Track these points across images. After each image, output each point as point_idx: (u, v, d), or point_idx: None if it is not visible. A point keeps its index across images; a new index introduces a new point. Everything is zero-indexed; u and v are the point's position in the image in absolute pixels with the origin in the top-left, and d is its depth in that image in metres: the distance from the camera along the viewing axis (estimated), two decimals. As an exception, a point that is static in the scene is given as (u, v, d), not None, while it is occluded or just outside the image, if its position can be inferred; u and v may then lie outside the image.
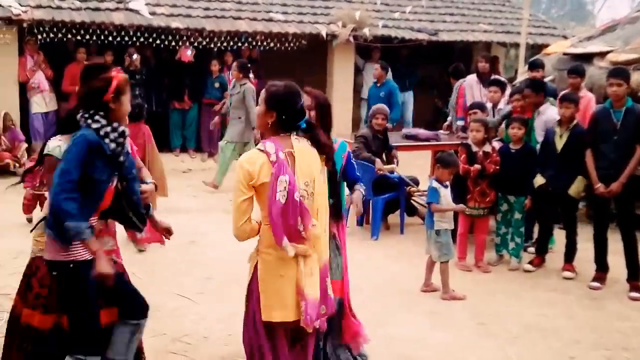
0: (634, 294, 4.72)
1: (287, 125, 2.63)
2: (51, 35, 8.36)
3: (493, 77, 6.91)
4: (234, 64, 7.91)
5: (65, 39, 8.48)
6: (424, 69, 10.88)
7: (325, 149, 2.72)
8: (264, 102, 2.65)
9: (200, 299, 4.40)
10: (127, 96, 2.74)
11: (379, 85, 8.32)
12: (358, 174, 3.43)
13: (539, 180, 5.15)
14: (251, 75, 9.36)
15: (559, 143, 5.07)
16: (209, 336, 3.83)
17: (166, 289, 4.46)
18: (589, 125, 5.01)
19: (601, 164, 4.81)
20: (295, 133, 2.67)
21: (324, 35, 9.61)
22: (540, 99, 5.58)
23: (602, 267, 4.97)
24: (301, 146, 2.65)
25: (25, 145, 8.12)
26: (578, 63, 6.48)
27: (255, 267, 2.69)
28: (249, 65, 8.15)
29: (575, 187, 5.03)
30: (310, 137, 2.69)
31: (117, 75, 2.69)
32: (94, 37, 8.53)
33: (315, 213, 2.64)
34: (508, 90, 6.56)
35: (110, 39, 8.58)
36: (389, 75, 8.52)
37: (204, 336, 3.83)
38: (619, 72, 4.86)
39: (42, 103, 8.37)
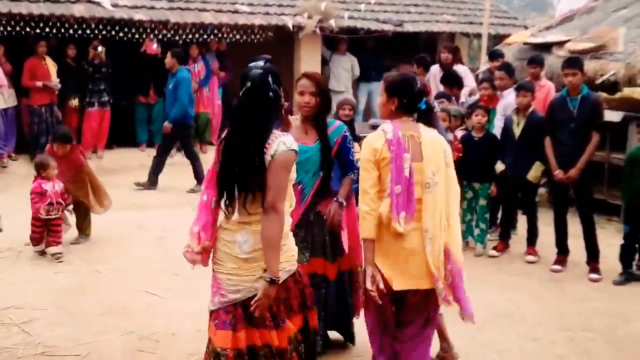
0: (594, 276, 4.89)
1: (409, 108, 2.84)
2: (9, 28, 8.10)
3: (455, 66, 6.99)
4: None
5: (24, 32, 8.23)
6: (390, 59, 10.95)
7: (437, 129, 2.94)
8: (384, 91, 2.86)
9: (168, 295, 4.37)
10: None
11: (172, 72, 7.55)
12: (352, 157, 3.45)
13: (499, 166, 5.30)
14: (212, 64, 9.28)
15: (517, 130, 5.22)
16: (177, 333, 3.81)
17: (134, 286, 4.41)
18: (546, 113, 5.15)
19: (559, 151, 4.95)
20: (416, 115, 2.85)
21: (290, 27, 9.57)
22: (513, 82, 5.75)
23: (562, 250, 5.13)
24: (431, 135, 2.82)
25: (-17, 143, 7.89)
26: (537, 53, 6.65)
27: None
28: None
29: (534, 173, 5.19)
30: (427, 120, 2.88)
31: None
32: (54, 30, 8.30)
33: (435, 203, 2.76)
34: (469, 82, 6.71)
35: (71, 32, 8.37)
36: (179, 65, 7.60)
37: (173, 333, 3.81)
38: (573, 61, 4.99)
39: (1, 99, 8.12)
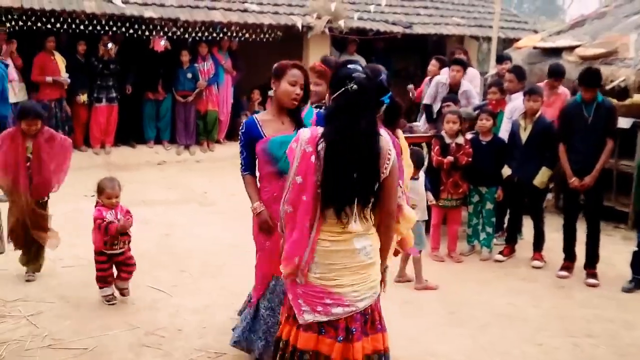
0: (592, 281, 4.89)
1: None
2: (20, 23, 8.16)
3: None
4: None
5: (34, 28, 8.29)
6: (399, 61, 10.95)
7: (396, 127, 2.98)
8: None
9: (174, 291, 4.39)
10: None
11: None
12: None
13: (506, 171, 5.29)
14: (225, 62, 9.32)
15: (524, 135, 5.21)
16: (183, 329, 3.83)
17: (140, 282, 4.44)
18: (560, 119, 5.11)
19: (573, 158, 4.91)
20: (380, 111, 2.80)
21: (300, 27, 9.59)
22: (522, 86, 5.74)
23: (570, 256, 5.11)
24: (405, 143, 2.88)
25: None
26: (558, 63, 6.47)
27: None
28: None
29: (540, 178, 5.17)
30: (391, 116, 2.90)
31: None
32: (65, 26, 8.36)
33: None
34: (472, 76, 6.69)
35: (82, 28, 8.42)
36: None
37: (178, 329, 3.83)
38: (589, 80, 4.83)
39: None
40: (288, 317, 2.59)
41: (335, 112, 2.44)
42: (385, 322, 2.62)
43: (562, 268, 5.08)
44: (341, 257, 2.46)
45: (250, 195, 3.22)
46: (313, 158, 2.41)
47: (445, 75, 6.63)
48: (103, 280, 4.14)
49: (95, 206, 4.14)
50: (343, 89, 2.41)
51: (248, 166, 3.23)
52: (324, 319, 2.47)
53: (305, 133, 2.49)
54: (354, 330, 2.48)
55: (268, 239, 3.19)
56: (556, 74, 6.02)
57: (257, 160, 3.20)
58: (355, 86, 2.39)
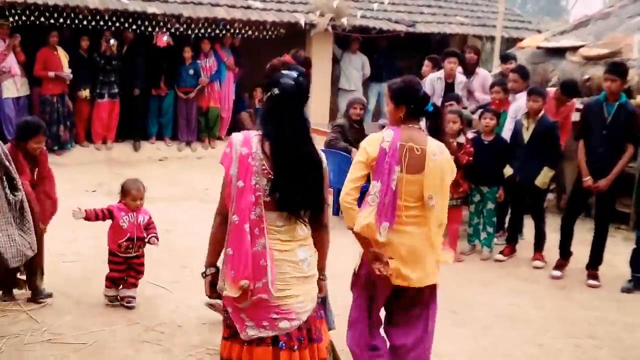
0: (593, 282, 4.88)
1: (417, 113, 2.89)
2: (23, 18, 8.15)
3: (478, 69, 6.97)
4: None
5: (38, 22, 8.27)
6: (402, 60, 10.93)
7: (443, 135, 2.98)
8: (391, 100, 2.91)
9: (175, 288, 4.39)
10: None
11: None
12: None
13: (508, 170, 5.27)
14: (227, 59, 9.31)
15: (526, 135, 5.18)
16: (183, 325, 3.83)
17: (141, 278, 4.43)
18: (580, 117, 5.07)
19: (590, 158, 4.84)
20: (423, 119, 2.89)
21: (303, 24, 9.57)
22: (526, 85, 5.71)
23: (564, 254, 5.09)
24: (439, 150, 2.84)
25: (-5, 131, 7.93)
26: (573, 80, 6.22)
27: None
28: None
29: (542, 178, 5.15)
30: (435, 122, 2.93)
31: None
32: (68, 21, 8.34)
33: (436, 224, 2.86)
34: (484, 77, 6.71)
35: (85, 23, 8.40)
36: None
37: (178, 325, 3.83)
38: (613, 68, 4.79)
39: (13, 88, 8.16)
40: (230, 335, 2.42)
41: (263, 116, 2.45)
42: (322, 333, 2.53)
43: (556, 267, 5.05)
44: (289, 267, 2.38)
45: None
46: (250, 159, 2.34)
47: (440, 72, 6.71)
48: (112, 281, 4.04)
49: (118, 203, 4.01)
50: (269, 93, 2.42)
51: None
52: (270, 334, 2.35)
53: (238, 136, 2.42)
54: (301, 339, 2.41)
55: None
56: (569, 92, 5.80)
57: None
58: (277, 91, 2.38)
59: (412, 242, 2.85)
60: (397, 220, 2.82)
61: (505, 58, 6.94)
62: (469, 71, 6.87)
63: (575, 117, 5.62)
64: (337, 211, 6.46)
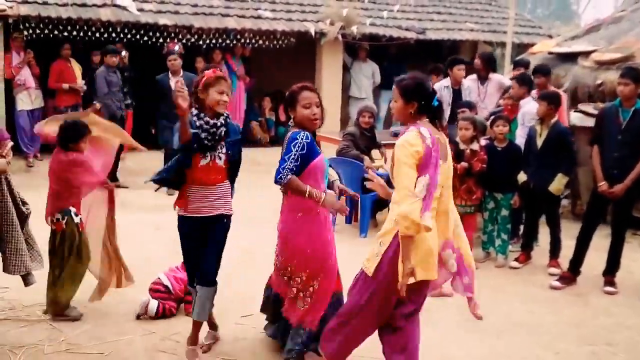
0: (610, 289, 4.82)
1: (427, 109, 2.92)
2: (37, 31, 8.28)
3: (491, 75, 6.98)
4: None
5: (51, 35, 8.41)
6: (412, 67, 10.94)
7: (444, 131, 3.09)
8: (400, 97, 2.92)
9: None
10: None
11: None
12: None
13: (522, 177, 5.24)
14: (238, 69, 9.38)
15: (540, 141, 5.16)
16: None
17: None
18: (595, 122, 5.05)
19: (605, 163, 4.79)
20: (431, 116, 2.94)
21: (313, 33, 9.63)
22: (524, 91, 5.71)
23: (574, 269, 4.94)
24: (443, 138, 2.94)
25: (11, 143, 8.01)
26: (543, 63, 6.50)
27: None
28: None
29: (556, 185, 5.11)
30: (437, 116, 3.00)
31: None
32: (81, 34, 8.47)
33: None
34: (498, 81, 6.74)
35: (97, 35, 8.52)
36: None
37: (194, 334, 3.83)
38: (627, 72, 4.77)
39: (28, 100, 8.30)
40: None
41: None
42: None
43: (560, 278, 4.93)
44: None
45: (305, 190, 3.22)
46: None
47: (446, 80, 6.77)
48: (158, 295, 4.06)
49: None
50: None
51: (293, 172, 3.23)
52: None
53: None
54: None
55: (330, 256, 3.34)
56: (537, 71, 6.00)
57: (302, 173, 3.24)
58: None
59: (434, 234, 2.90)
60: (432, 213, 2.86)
61: (517, 64, 6.91)
62: (482, 77, 6.87)
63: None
64: (349, 219, 6.48)
